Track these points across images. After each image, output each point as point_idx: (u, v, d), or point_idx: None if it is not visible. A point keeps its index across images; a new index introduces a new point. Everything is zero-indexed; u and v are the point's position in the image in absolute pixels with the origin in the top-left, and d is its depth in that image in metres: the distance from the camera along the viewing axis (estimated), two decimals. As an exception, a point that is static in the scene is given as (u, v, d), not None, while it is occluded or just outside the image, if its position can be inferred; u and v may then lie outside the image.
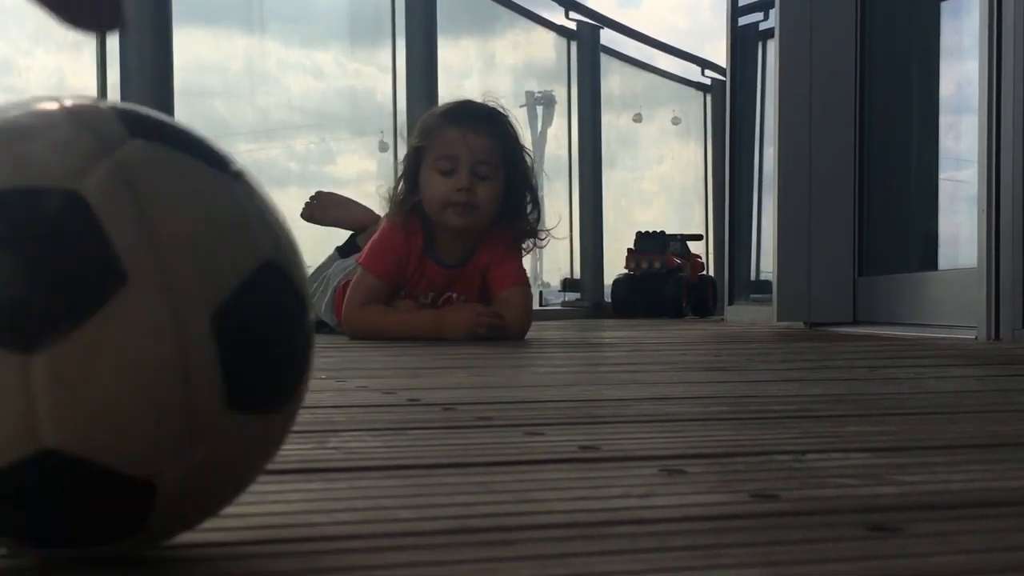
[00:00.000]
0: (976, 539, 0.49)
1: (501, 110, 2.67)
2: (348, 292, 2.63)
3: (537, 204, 2.69)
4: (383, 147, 5.40)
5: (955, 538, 0.49)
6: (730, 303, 4.90)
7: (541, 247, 2.77)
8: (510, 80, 6.81)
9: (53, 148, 0.40)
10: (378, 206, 3.00)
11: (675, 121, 8.32)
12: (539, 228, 2.69)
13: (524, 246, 2.69)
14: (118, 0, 0.30)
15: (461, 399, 1.12)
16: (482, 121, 2.59)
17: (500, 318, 2.52)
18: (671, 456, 0.73)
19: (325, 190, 3.45)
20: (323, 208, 3.38)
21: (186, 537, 0.49)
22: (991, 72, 2.59)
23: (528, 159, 2.68)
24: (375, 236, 2.70)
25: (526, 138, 2.90)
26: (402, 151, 4.77)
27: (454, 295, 2.64)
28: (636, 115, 7.36)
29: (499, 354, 2.03)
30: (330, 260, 3.24)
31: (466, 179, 2.52)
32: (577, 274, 6.47)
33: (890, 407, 1.10)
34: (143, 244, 0.39)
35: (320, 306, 2.95)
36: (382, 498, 0.59)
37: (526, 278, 2.69)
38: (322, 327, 2.98)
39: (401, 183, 2.64)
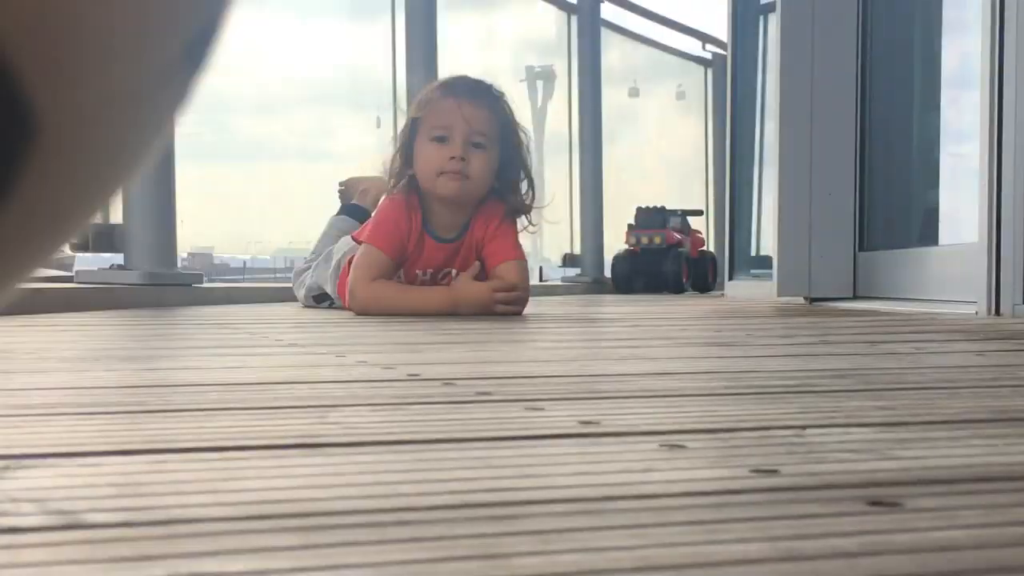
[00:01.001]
0: (977, 514, 0.49)
1: (497, 88, 2.68)
2: (352, 269, 2.63)
3: (531, 182, 2.68)
4: (379, 123, 5.39)
5: (956, 513, 0.49)
6: (730, 278, 4.90)
7: (532, 231, 2.75)
8: (510, 54, 6.78)
9: None
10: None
11: (680, 95, 8.27)
12: (533, 206, 2.69)
13: (518, 223, 2.69)
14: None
15: (461, 374, 1.12)
16: (478, 93, 2.60)
17: (514, 289, 2.53)
18: (671, 431, 0.73)
19: (347, 178, 3.48)
20: (350, 192, 3.41)
21: (185, 512, 0.49)
22: (993, 46, 2.58)
23: (524, 138, 2.68)
24: (376, 213, 2.69)
25: (524, 116, 2.91)
26: (402, 125, 4.77)
27: (453, 271, 2.63)
28: (632, 89, 7.29)
29: (499, 329, 2.03)
30: (330, 227, 3.25)
31: (460, 147, 2.53)
32: (577, 249, 6.46)
33: (890, 382, 1.10)
34: None
35: (325, 277, 2.95)
36: (382, 473, 0.59)
37: (522, 252, 2.68)
38: (324, 299, 2.97)
39: (397, 156, 2.64)
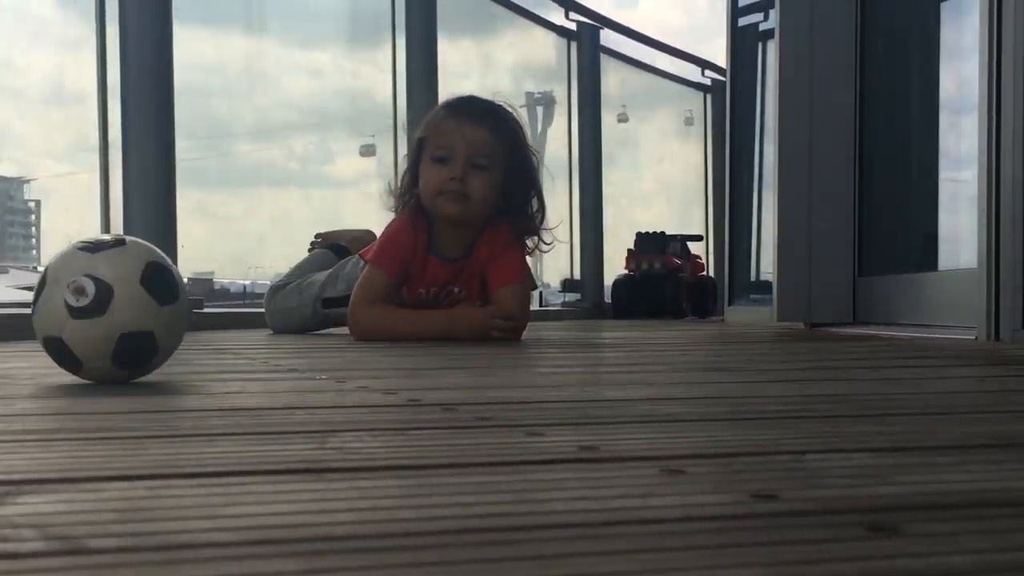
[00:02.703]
0: (976, 539, 0.49)
1: (507, 107, 2.68)
2: (355, 291, 2.62)
3: (542, 204, 2.68)
4: (365, 151, 5.39)
5: (955, 538, 0.49)
6: (730, 304, 4.90)
7: (544, 251, 2.74)
8: (509, 80, 6.81)
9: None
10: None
11: (688, 121, 8.28)
12: (543, 228, 2.68)
13: (528, 245, 2.68)
14: None
15: (461, 399, 1.12)
16: (482, 114, 2.60)
17: (512, 319, 2.53)
18: (671, 456, 0.73)
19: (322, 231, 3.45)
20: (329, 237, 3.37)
21: (186, 537, 0.49)
22: (991, 72, 2.59)
23: (534, 158, 2.68)
24: (384, 234, 2.68)
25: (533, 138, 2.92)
26: (403, 149, 4.75)
27: (456, 289, 2.63)
28: (620, 114, 7.26)
29: (499, 354, 2.03)
30: (312, 256, 3.21)
31: (459, 168, 2.53)
32: (577, 274, 6.47)
33: (890, 407, 1.10)
34: None
35: (342, 277, 2.92)
36: (382, 498, 0.59)
37: (525, 275, 2.66)
38: (337, 303, 2.91)
39: (406, 176, 2.65)
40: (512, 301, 2.57)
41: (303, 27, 5.41)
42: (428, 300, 2.63)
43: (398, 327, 2.51)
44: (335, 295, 2.91)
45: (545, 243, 2.70)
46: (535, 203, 2.67)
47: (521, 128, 2.68)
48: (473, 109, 2.63)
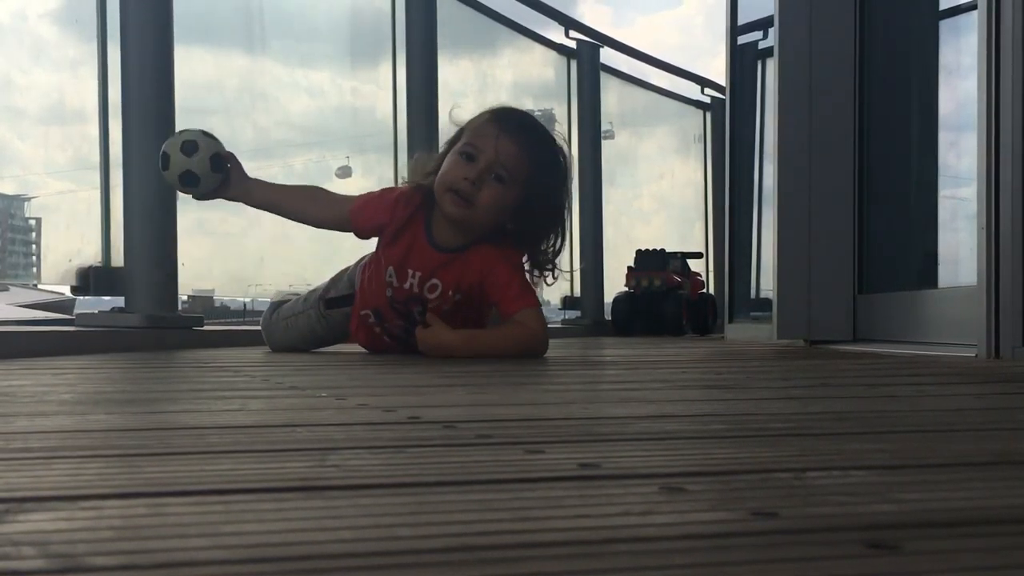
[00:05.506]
0: (976, 557, 0.49)
1: (559, 140, 2.66)
2: (324, 199, 2.72)
3: (561, 238, 2.66)
4: (341, 172, 5.40)
5: (955, 556, 0.49)
6: (730, 321, 4.90)
7: (548, 284, 2.72)
8: (509, 98, 6.82)
9: None
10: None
11: (697, 138, 8.30)
12: (552, 263, 2.67)
13: (530, 271, 2.67)
14: None
15: (461, 417, 1.12)
16: (521, 131, 2.58)
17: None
18: (671, 474, 0.73)
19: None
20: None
21: (186, 555, 0.49)
22: (990, 90, 2.59)
23: (563, 194, 2.65)
24: (372, 195, 2.71)
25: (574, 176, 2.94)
26: (403, 169, 4.74)
27: (418, 309, 2.62)
28: (606, 131, 7.26)
29: (499, 372, 2.03)
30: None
31: (476, 172, 2.51)
32: (577, 292, 6.47)
33: (890, 425, 1.10)
34: None
35: (345, 277, 2.93)
36: (382, 516, 0.59)
37: (535, 299, 2.65)
38: (340, 303, 2.89)
39: (438, 159, 2.64)
40: (534, 324, 2.58)
41: (303, 46, 5.42)
42: (414, 289, 2.62)
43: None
44: (337, 295, 2.88)
45: (551, 278, 2.69)
46: (552, 238, 2.65)
47: (560, 163, 2.64)
48: (516, 124, 2.60)
